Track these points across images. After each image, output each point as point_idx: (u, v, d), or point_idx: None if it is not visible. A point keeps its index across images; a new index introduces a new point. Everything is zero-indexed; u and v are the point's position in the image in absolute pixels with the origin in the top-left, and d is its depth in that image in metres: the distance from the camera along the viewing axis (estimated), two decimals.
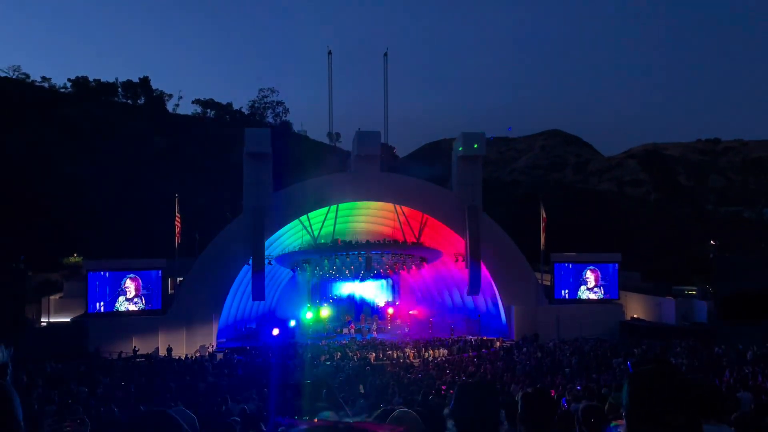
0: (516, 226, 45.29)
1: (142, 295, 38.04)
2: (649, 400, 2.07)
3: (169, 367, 29.52)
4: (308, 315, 43.83)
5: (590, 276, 42.42)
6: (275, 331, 40.59)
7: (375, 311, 48.40)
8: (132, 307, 37.80)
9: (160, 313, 37.97)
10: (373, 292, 49.55)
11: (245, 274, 39.52)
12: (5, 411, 1.76)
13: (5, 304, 30.80)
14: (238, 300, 41.91)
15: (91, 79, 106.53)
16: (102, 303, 37.45)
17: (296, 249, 41.96)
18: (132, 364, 31.04)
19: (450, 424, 2.95)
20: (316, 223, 41.34)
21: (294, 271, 44.03)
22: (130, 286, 37.99)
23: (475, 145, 41.17)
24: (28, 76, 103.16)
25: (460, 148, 41.71)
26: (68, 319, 38.13)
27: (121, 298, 37.67)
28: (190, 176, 73.52)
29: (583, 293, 42.31)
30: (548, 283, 42.65)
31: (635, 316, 42.30)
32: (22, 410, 1.82)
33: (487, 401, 2.95)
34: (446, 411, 3.01)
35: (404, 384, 22.07)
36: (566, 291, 42.46)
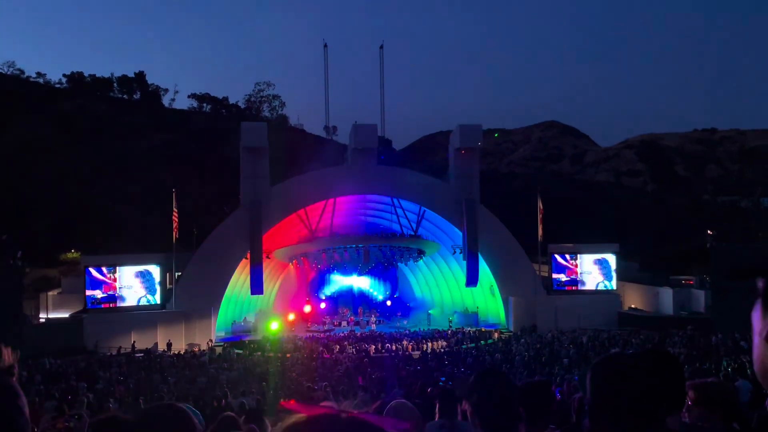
0: (513, 217, 45.26)
1: (144, 287, 38.11)
2: (609, 392, 1.89)
3: (168, 362, 29.55)
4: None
5: (588, 267, 42.49)
6: (274, 325, 40.61)
7: (373, 304, 48.49)
8: (139, 298, 37.81)
9: (159, 307, 38.01)
10: (372, 285, 49.64)
11: (243, 267, 39.52)
12: (13, 409, 1.78)
13: (3, 301, 30.74)
14: (236, 294, 41.92)
15: (86, 74, 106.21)
16: (100, 298, 37.45)
17: (294, 243, 41.95)
18: (131, 359, 31.07)
19: (472, 418, 2.83)
20: (314, 217, 41.32)
21: (292, 265, 44.02)
22: (128, 280, 38.00)
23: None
24: (22, 72, 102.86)
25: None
26: (66, 315, 38.14)
27: (121, 293, 37.70)
28: (186, 171, 73.36)
29: (581, 284, 42.39)
30: (546, 274, 42.74)
31: (633, 306, 42.41)
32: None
33: (505, 389, 2.87)
34: (470, 400, 2.88)
35: (403, 376, 22.15)
36: (564, 282, 42.55)
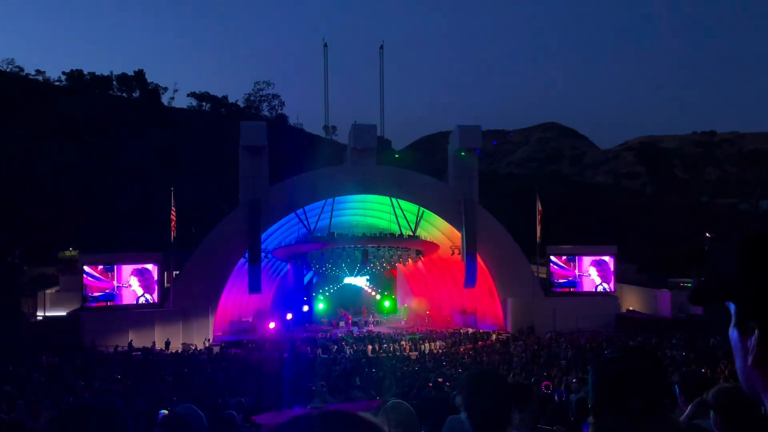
0: (512, 218, 45.30)
1: (142, 286, 38.09)
2: (610, 386, 2.02)
3: (166, 361, 29.53)
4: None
5: (586, 268, 42.50)
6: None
7: (371, 304, 48.45)
8: (137, 296, 37.78)
9: (157, 306, 37.96)
10: (370, 285, 49.58)
11: (241, 267, 39.50)
12: None
13: (1, 299, 30.72)
14: (234, 293, 41.88)
15: (85, 72, 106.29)
16: (98, 296, 37.40)
17: (292, 242, 41.94)
18: (129, 357, 31.02)
19: (464, 415, 2.88)
20: (313, 217, 41.29)
21: (290, 264, 44.01)
22: (126, 279, 37.96)
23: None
24: (22, 69, 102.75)
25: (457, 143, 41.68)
26: (64, 313, 38.08)
27: (119, 291, 37.67)
28: (185, 169, 73.33)
29: (579, 286, 42.39)
30: (544, 276, 42.72)
31: (631, 308, 42.41)
32: (20, 404, 1.82)
33: (498, 390, 2.91)
34: (458, 401, 2.95)
35: (400, 376, 22.13)
36: (562, 283, 42.54)
